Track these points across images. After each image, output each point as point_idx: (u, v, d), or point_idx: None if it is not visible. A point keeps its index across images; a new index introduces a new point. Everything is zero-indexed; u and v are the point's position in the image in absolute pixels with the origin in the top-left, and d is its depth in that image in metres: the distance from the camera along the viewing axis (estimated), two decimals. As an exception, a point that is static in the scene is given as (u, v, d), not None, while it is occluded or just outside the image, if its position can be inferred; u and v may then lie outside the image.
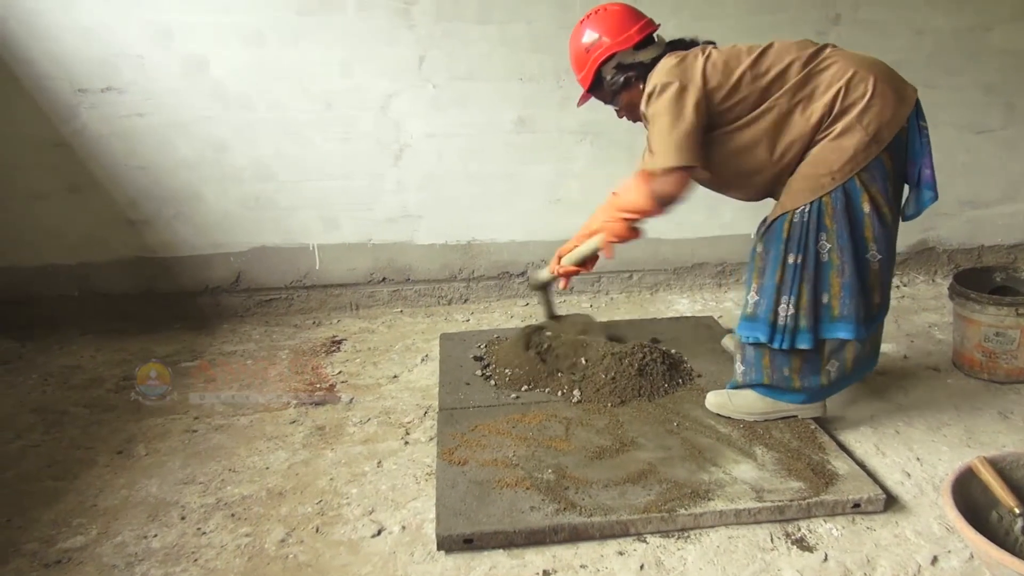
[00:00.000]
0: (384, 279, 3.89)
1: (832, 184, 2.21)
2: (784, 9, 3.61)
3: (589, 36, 2.43)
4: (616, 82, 2.42)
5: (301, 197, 3.70)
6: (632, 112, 2.50)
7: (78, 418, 2.82)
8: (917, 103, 2.26)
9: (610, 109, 2.59)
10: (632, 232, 2.41)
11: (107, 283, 3.72)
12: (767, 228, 2.36)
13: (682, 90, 2.21)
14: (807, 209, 2.24)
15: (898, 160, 2.26)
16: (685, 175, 2.23)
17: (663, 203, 2.29)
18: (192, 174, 3.60)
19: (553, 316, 3.07)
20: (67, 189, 3.56)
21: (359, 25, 3.47)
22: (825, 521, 2.10)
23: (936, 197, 2.28)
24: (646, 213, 2.33)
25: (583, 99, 2.58)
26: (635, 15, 2.44)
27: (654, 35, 2.44)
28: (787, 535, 2.05)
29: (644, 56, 2.39)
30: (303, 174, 3.67)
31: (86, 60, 3.37)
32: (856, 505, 2.11)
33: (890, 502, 2.16)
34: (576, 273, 2.72)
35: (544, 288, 2.99)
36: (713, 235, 3.79)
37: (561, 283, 2.80)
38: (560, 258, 2.71)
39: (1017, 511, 1.86)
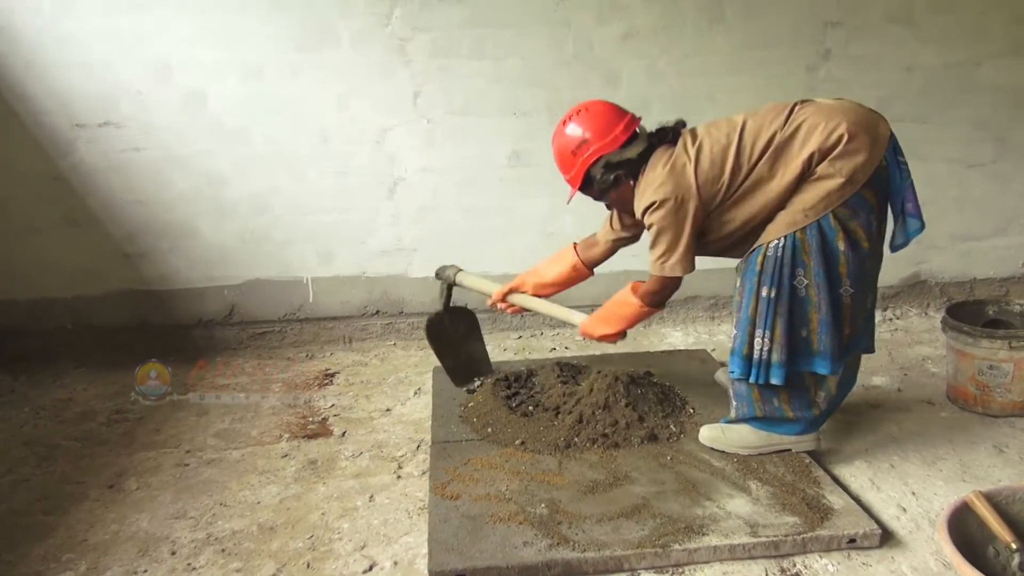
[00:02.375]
0: (377, 312, 3.89)
1: (805, 220, 2.24)
2: (775, 46, 3.65)
3: (575, 137, 2.41)
4: (606, 181, 2.43)
5: (296, 230, 3.72)
6: (622, 205, 2.54)
7: (70, 452, 2.81)
8: (892, 138, 2.28)
9: None
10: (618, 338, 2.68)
11: (101, 316, 3.71)
12: (743, 261, 2.39)
13: (680, 204, 2.30)
14: (780, 243, 2.27)
15: (881, 194, 2.29)
16: (679, 281, 2.45)
17: (659, 304, 2.56)
18: (188, 208, 3.62)
19: (447, 309, 3.07)
20: (64, 223, 3.57)
21: (355, 61, 3.51)
22: (820, 556, 2.08)
23: (923, 226, 2.31)
24: (643, 317, 2.59)
25: (571, 196, 2.56)
26: (619, 113, 2.44)
27: (637, 129, 2.44)
28: (782, 571, 2.04)
29: (631, 153, 2.40)
30: (298, 207, 3.69)
31: (84, 95, 3.41)
32: (852, 540, 2.10)
33: (886, 537, 2.14)
34: (514, 312, 2.96)
35: (452, 287, 3.01)
36: (706, 268, 3.75)
37: (501, 305, 2.91)
38: (511, 292, 2.85)
39: (1014, 546, 1.85)
